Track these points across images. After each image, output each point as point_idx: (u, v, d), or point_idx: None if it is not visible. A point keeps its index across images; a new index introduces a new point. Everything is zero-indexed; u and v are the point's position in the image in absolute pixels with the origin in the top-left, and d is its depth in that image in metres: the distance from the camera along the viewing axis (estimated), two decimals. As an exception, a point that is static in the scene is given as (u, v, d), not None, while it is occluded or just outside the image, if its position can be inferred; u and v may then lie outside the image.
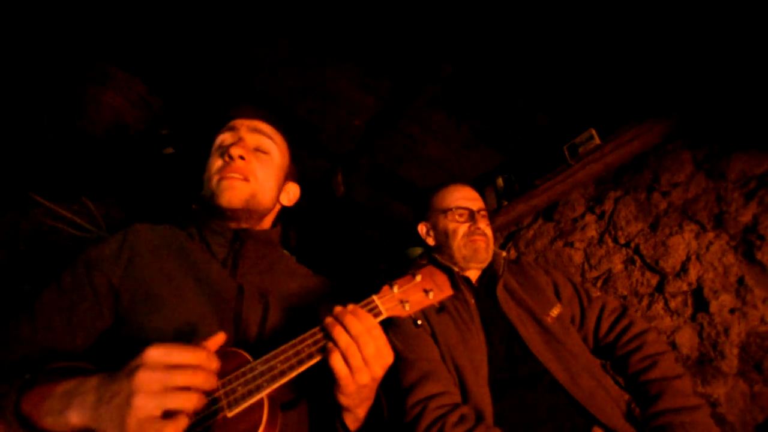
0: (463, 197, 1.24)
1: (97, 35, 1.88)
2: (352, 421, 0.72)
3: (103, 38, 1.89)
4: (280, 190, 0.95)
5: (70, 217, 2.15)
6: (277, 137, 0.95)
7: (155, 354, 0.50)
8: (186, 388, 0.49)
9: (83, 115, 1.92)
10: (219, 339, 0.59)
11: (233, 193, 0.83)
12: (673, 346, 1.54)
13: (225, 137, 0.89)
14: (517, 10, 1.50)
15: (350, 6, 1.62)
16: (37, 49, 1.86)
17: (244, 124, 0.91)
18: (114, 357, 0.71)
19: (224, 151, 0.86)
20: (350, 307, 0.67)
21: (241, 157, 0.85)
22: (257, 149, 0.90)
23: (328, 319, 0.65)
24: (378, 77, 1.96)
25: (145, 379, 0.48)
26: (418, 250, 2.72)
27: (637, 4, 1.42)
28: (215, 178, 0.84)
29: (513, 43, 1.65)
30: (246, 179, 0.85)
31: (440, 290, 0.78)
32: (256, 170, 0.88)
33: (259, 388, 0.59)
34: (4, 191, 2.03)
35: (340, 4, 1.62)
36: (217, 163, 0.86)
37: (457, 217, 1.21)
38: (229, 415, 0.56)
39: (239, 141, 0.87)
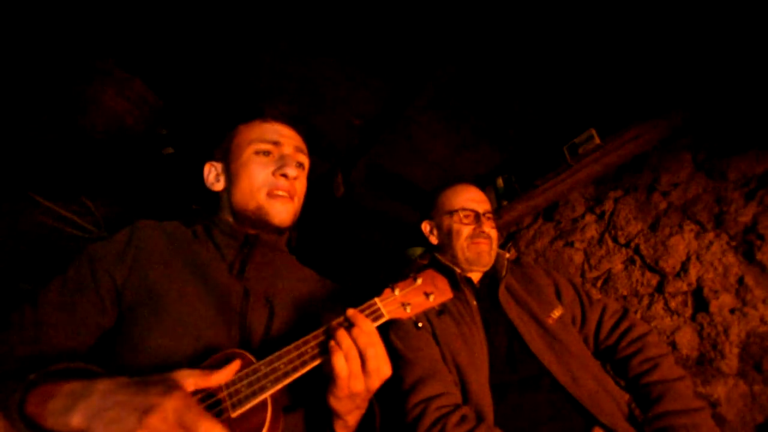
0: (470, 198, 1.23)
1: (97, 35, 1.87)
2: (341, 427, 0.72)
3: (104, 38, 1.89)
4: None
5: (70, 217, 2.15)
6: (305, 148, 0.95)
7: (176, 402, 0.49)
8: None
9: (83, 115, 1.92)
10: (233, 367, 0.60)
11: (286, 213, 0.85)
12: (673, 346, 1.54)
13: (268, 147, 0.88)
14: (517, 10, 1.50)
15: (350, 7, 1.61)
16: (37, 49, 1.85)
17: (284, 135, 0.90)
18: (117, 355, 0.71)
19: (277, 168, 0.85)
20: (350, 312, 0.67)
21: (295, 178, 0.86)
22: (299, 166, 0.90)
23: (334, 323, 0.66)
24: (378, 77, 1.96)
25: (152, 425, 0.47)
26: (419, 251, 2.72)
27: (637, 4, 1.42)
28: (263, 192, 0.84)
29: (513, 43, 1.65)
30: (292, 198, 0.87)
31: (441, 293, 0.78)
32: (298, 188, 0.90)
33: (263, 389, 0.59)
34: (4, 191, 2.03)
35: (340, 6, 1.61)
36: (264, 175, 0.85)
37: (462, 218, 1.20)
38: (233, 415, 0.57)
39: (290, 159, 0.87)
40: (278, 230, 0.88)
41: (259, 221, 0.85)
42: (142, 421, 0.46)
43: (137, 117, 2.07)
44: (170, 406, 0.48)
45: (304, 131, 0.97)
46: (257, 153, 0.87)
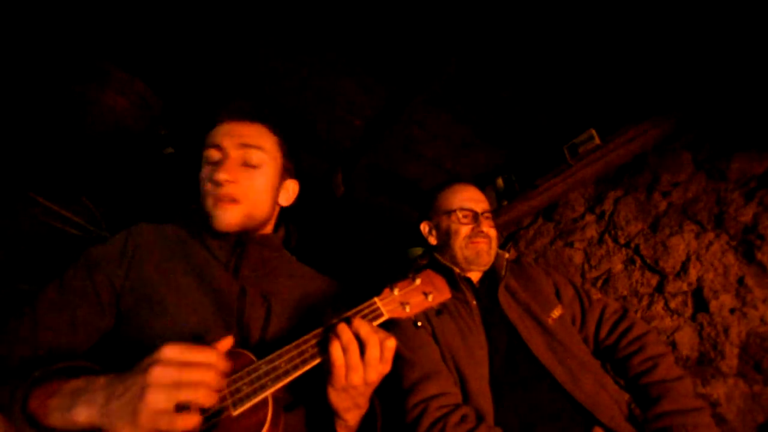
0: (467, 198, 1.23)
1: (97, 35, 1.87)
2: (342, 427, 0.72)
3: (103, 38, 1.89)
4: (276, 195, 0.91)
5: (70, 217, 2.15)
6: (267, 139, 0.88)
7: (170, 351, 0.51)
8: (198, 384, 0.51)
9: (83, 115, 1.92)
10: (227, 342, 0.60)
11: (227, 218, 0.81)
12: (673, 346, 1.54)
13: (211, 153, 0.84)
14: (517, 9, 1.51)
15: (350, 7, 1.61)
16: (37, 49, 1.85)
17: (228, 134, 0.84)
18: (116, 358, 0.71)
19: (210, 174, 0.82)
20: (350, 314, 0.68)
21: (229, 180, 0.81)
22: (245, 164, 0.84)
23: (334, 321, 0.66)
24: (378, 77, 1.96)
25: (159, 373, 0.49)
26: (419, 250, 2.72)
27: (637, 4, 1.42)
28: (209, 201, 0.82)
29: (513, 43, 1.65)
30: (236, 201, 0.82)
31: (439, 293, 0.79)
32: (247, 189, 0.83)
33: (263, 388, 0.59)
34: (4, 191, 2.03)
35: (341, 6, 1.62)
36: (207, 185, 0.83)
37: (460, 218, 1.19)
38: (234, 413, 0.57)
39: (224, 161, 0.82)
40: (226, 236, 0.85)
41: (210, 227, 0.83)
42: (147, 377, 0.48)
43: (137, 117, 2.07)
44: (165, 355, 0.51)
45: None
46: (206, 161, 0.85)
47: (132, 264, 0.78)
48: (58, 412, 0.51)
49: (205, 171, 0.84)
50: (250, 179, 0.84)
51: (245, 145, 0.85)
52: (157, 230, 0.87)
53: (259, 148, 0.86)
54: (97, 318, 0.73)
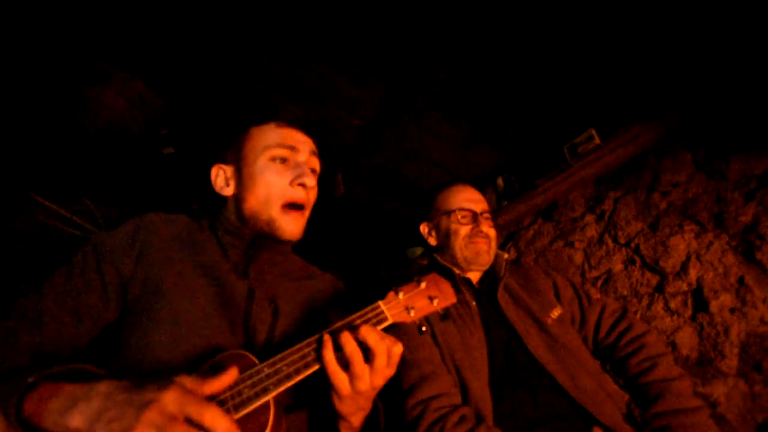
0: (466, 198, 1.23)
1: (97, 35, 1.87)
2: (346, 428, 0.72)
3: (104, 38, 1.89)
4: None
5: (70, 217, 2.15)
6: (317, 150, 0.94)
7: (173, 396, 0.49)
8: None
9: (84, 115, 1.92)
10: (230, 376, 0.58)
11: (297, 228, 0.84)
12: (673, 346, 1.54)
13: (282, 152, 0.84)
14: (517, 9, 1.50)
15: (350, 8, 1.61)
16: (37, 49, 1.85)
17: (300, 140, 0.88)
18: (118, 350, 0.70)
19: (295, 178, 0.82)
20: (359, 322, 0.68)
21: (313, 187, 0.85)
22: (313, 172, 0.89)
23: (338, 325, 0.66)
24: (378, 77, 1.96)
25: (150, 418, 0.46)
26: (419, 251, 2.72)
27: (637, 5, 1.42)
28: (278, 204, 0.82)
29: (514, 43, 1.65)
30: (305, 209, 0.85)
31: (445, 298, 0.78)
32: (312, 197, 0.88)
33: (265, 391, 0.59)
34: (4, 191, 2.03)
35: (340, 6, 1.61)
36: (281, 185, 0.82)
37: (459, 218, 1.20)
38: (236, 417, 0.56)
39: (307, 167, 0.85)
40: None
41: (269, 234, 0.83)
42: (140, 416, 0.46)
43: (137, 117, 2.07)
44: (167, 398, 0.48)
45: (314, 134, 0.95)
46: (273, 160, 0.84)
47: (141, 255, 0.76)
48: (54, 415, 0.50)
49: (276, 169, 0.83)
50: (315, 187, 0.89)
51: (315, 153, 0.90)
52: (168, 221, 0.85)
53: (319, 158, 0.92)
54: (103, 308, 0.72)
